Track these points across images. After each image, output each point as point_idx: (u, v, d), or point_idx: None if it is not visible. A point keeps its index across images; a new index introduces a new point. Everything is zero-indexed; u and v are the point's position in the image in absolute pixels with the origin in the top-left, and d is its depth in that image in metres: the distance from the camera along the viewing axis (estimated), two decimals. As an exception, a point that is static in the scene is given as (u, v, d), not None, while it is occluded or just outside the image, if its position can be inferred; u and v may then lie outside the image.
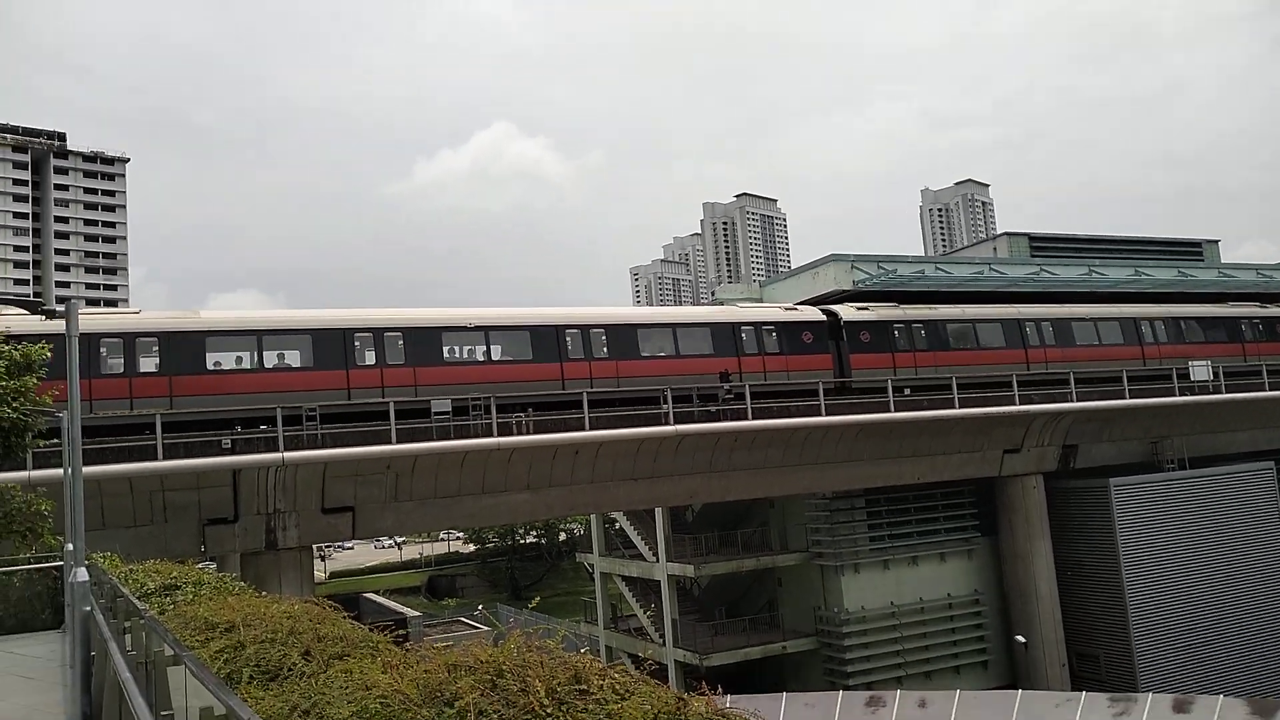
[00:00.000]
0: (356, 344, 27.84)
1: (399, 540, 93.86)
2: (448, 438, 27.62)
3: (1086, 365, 39.19)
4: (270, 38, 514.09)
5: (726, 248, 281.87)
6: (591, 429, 29.30)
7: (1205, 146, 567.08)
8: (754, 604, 43.50)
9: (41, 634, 15.40)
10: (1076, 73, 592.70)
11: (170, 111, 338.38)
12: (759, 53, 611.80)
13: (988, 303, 40.62)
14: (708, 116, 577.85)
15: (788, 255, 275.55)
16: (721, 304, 37.69)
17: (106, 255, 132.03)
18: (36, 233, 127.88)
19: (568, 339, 30.50)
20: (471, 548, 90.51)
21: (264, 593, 10.95)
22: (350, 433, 26.60)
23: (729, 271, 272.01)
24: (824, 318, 35.29)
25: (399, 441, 26.61)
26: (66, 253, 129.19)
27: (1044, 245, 53.84)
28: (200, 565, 17.24)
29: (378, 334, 28.20)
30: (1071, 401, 37.47)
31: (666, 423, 30.53)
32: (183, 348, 25.97)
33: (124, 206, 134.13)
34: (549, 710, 4.32)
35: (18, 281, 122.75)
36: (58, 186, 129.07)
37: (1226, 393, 40.24)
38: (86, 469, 16.12)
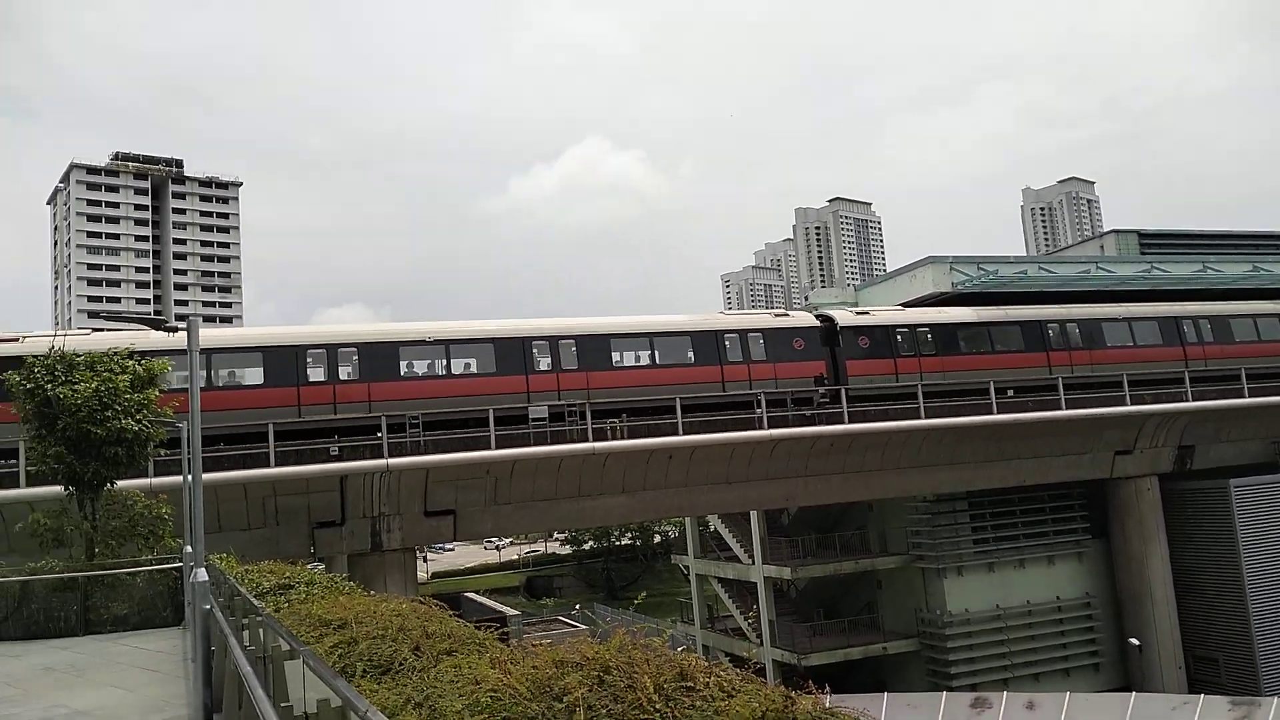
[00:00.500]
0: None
1: (498, 542, 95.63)
2: (544, 443, 28.13)
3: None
4: (375, 64, 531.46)
5: (820, 253, 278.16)
6: (685, 434, 29.37)
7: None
8: (853, 605, 43.04)
9: (163, 630, 16.26)
10: (1190, 64, 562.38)
11: (282, 138, 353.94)
12: (855, 57, 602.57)
13: (1094, 302, 39.01)
14: (801, 121, 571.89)
15: (883, 259, 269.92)
16: (815, 309, 37.05)
17: (221, 274, 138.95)
18: (156, 254, 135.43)
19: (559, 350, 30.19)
20: (568, 549, 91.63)
21: (371, 592, 11.27)
22: (451, 439, 27.37)
23: (822, 276, 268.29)
24: (817, 323, 33.95)
25: (498, 447, 27.28)
26: (184, 273, 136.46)
27: (1154, 242, 52.16)
28: (310, 566, 17.91)
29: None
30: (1187, 401, 35.86)
31: (760, 427, 30.32)
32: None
33: (237, 228, 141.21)
34: (656, 706, 4.32)
35: (139, 300, 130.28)
36: (176, 210, 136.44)
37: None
38: (204, 476, 16.91)
